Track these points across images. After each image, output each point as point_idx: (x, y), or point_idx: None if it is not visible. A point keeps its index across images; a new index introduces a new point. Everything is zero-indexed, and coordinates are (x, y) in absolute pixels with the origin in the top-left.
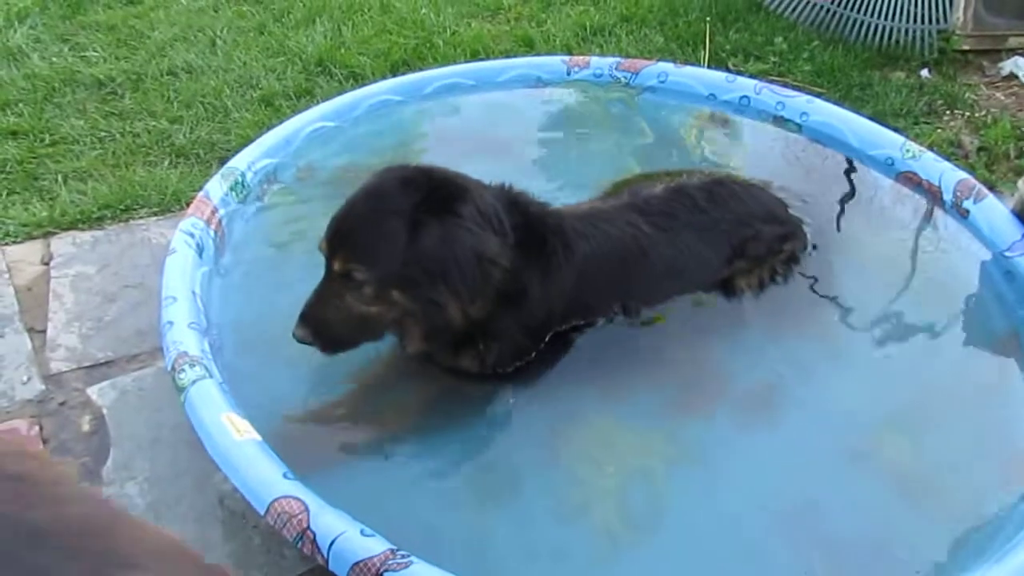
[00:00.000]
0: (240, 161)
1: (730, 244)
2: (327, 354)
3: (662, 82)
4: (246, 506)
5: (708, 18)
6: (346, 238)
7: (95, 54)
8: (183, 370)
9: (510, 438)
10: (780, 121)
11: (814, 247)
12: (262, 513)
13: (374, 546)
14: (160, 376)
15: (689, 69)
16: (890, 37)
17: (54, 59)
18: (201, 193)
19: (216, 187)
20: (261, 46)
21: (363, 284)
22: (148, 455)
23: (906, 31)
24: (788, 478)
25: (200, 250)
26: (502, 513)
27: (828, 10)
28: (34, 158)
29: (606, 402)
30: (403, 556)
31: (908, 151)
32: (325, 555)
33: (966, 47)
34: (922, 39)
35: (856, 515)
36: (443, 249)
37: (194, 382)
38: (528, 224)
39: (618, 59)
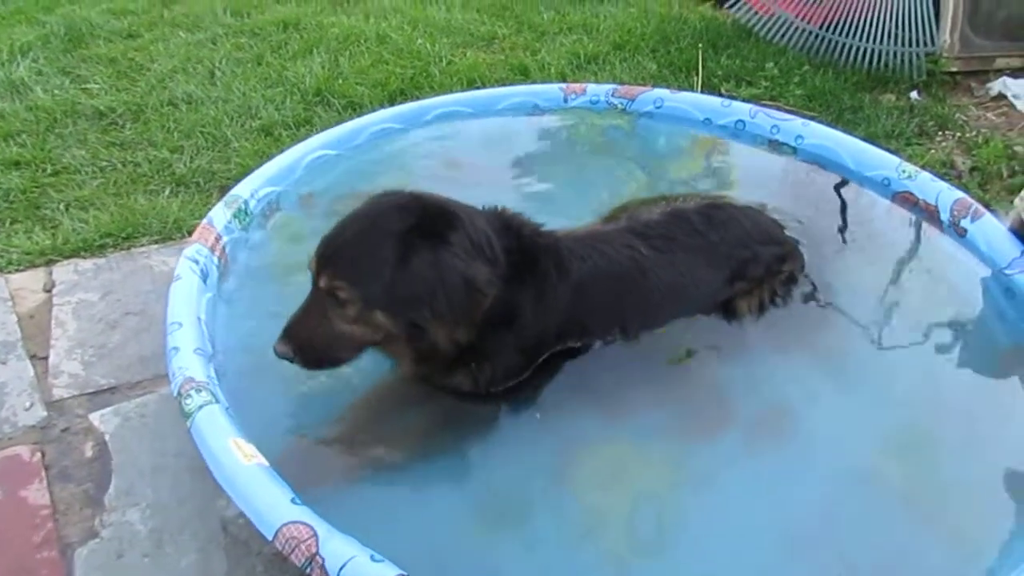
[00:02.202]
0: (243, 189)
1: (729, 266)
2: (308, 370)
3: (658, 108)
4: (249, 533)
5: (700, 44)
6: (334, 256)
7: (96, 86)
8: (189, 396)
9: (517, 461)
10: (775, 145)
11: (808, 270)
12: (270, 539)
13: (384, 572)
14: (162, 402)
15: (685, 95)
16: (879, 60)
17: (56, 91)
18: (205, 220)
19: (220, 214)
20: (259, 77)
21: (347, 303)
22: (150, 482)
23: (895, 54)
24: (797, 501)
25: (204, 276)
26: (510, 537)
27: (817, 36)
28: (36, 187)
29: (611, 426)
30: None
31: (904, 171)
32: None
33: (954, 69)
34: (911, 62)
35: (866, 538)
36: (431, 274)
37: (201, 407)
38: (521, 246)
39: (614, 86)
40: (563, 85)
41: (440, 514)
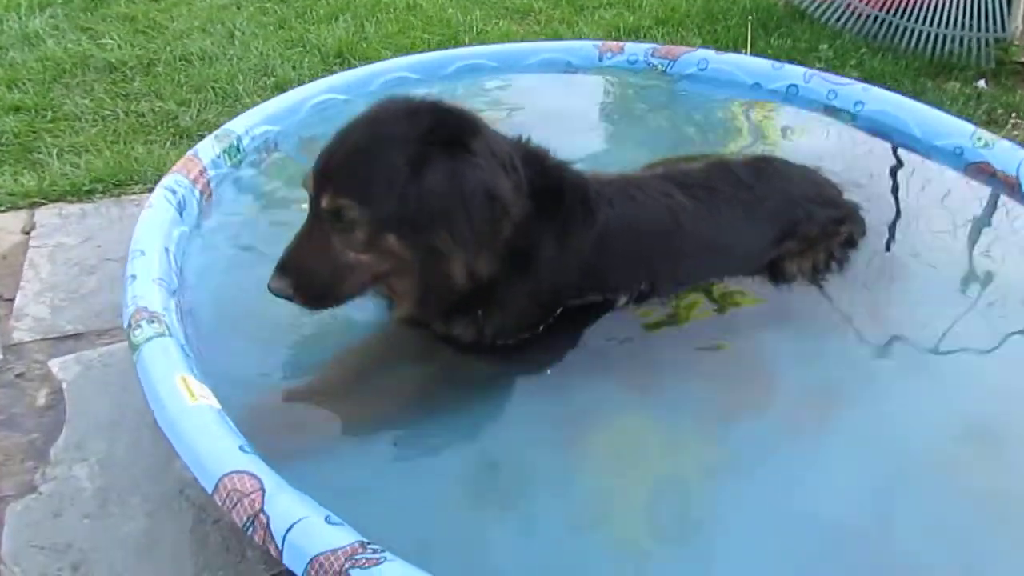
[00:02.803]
0: (237, 124)
1: (778, 224)
2: (308, 309)
3: (702, 70)
4: (207, 498)
5: (749, 19)
6: (338, 170)
7: (111, 41)
8: (139, 326)
9: (519, 431)
10: (832, 111)
11: (870, 241)
12: (210, 491)
13: (340, 537)
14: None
15: (731, 56)
16: (943, 46)
17: (69, 45)
18: (190, 152)
19: (208, 148)
20: (280, 38)
21: (354, 225)
22: (105, 437)
23: (961, 40)
24: (847, 492)
25: (181, 208)
26: (506, 519)
27: (876, 18)
28: (32, 132)
29: (632, 396)
30: (374, 551)
31: (980, 140)
32: (279, 544)
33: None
34: (978, 48)
35: (927, 536)
36: (450, 187)
37: (150, 339)
38: (546, 179)
39: (654, 45)
40: (598, 43)
41: (426, 485)
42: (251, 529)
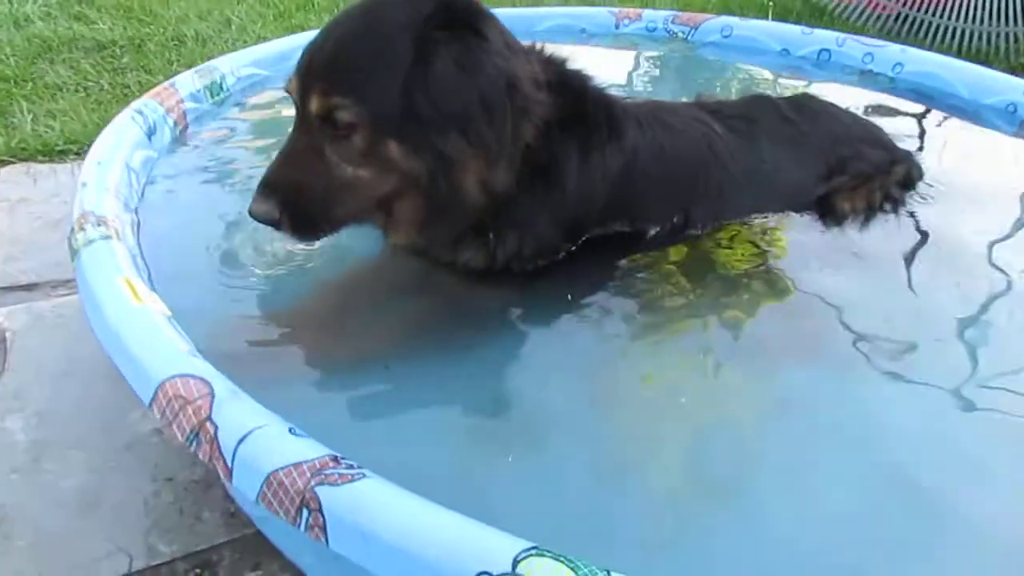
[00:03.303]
0: (223, 63)
1: (825, 161)
2: (298, 239)
3: (726, 36)
4: (163, 454)
5: (769, 14)
6: (327, 64)
7: (102, 25)
8: (83, 230)
9: (536, 372)
10: (869, 76)
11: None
12: (147, 401)
13: (305, 450)
14: None
15: (757, 22)
16: (970, 42)
17: (59, 28)
18: (166, 82)
19: (187, 81)
20: (279, 26)
21: (352, 130)
22: (50, 387)
23: (987, 36)
24: (929, 445)
25: (150, 133)
26: (520, 466)
27: (899, 16)
28: (8, 98)
29: (669, 333)
30: (349, 466)
31: None
32: (228, 460)
33: None
34: (1006, 44)
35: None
36: (464, 77)
37: (92, 242)
38: (566, 85)
39: (674, 12)
40: (615, 10)
41: (425, 434)
42: (195, 443)
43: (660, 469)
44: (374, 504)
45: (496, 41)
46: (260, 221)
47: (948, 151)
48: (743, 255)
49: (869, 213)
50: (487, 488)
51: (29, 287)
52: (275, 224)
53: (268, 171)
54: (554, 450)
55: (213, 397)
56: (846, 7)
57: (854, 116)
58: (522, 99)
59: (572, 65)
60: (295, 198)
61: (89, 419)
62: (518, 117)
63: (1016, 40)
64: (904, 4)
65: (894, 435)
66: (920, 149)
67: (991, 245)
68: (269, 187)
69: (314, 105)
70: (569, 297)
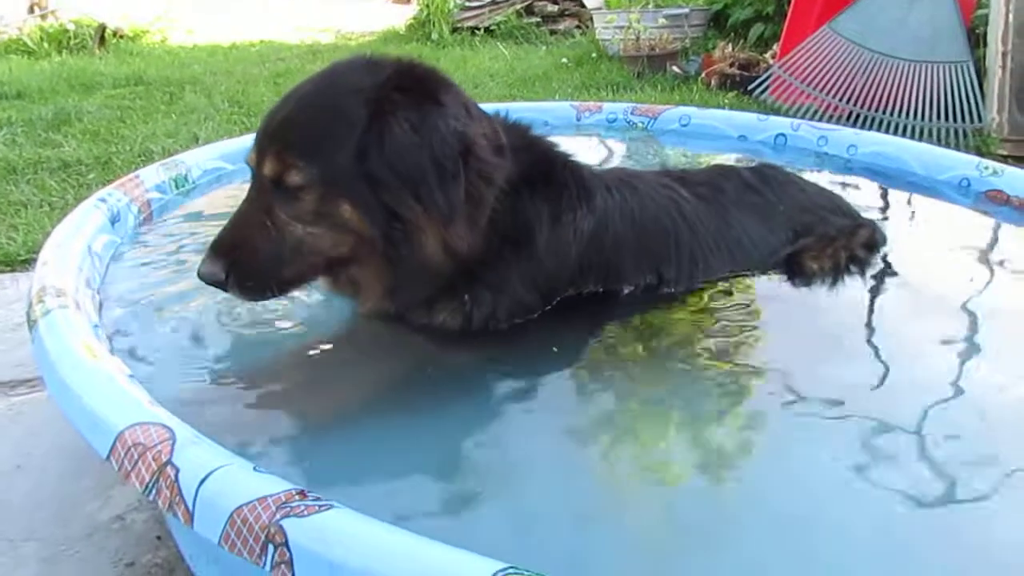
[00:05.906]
0: (188, 156)
1: (791, 226)
2: (246, 298)
3: (684, 125)
4: (122, 539)
5: None
6: (281, 127)
7: (68, 148)
8: (42, 301)
9: (515, 426)
10: (825, 157)
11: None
12: (105, 453)
13: (269, 485)
14: (47, 404)
15: (714, 111)
16: (921, 137)
17: (25, 153)
18: (131, 174)
19: (153, 173)
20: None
21: (301, 191)
22: (4, 482)
23: (936, 131)
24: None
25: (114, 220)
26: (497, 509)
27: (853, 113)
28: None
29: (644, 388)
30: (316, 499)
31: (987, 168)
32: (189, 504)
33: (1004, 152)
34: (956, 140)
35: None
36: (418, 139)
37: (50, 312)
38: (533, 152)
39: (633, 104)
40: (575, 103)
41: (397, 475)
42: (153, 491)
43: (638, 513)
44: (343, 534)
45: (452, 105)
46: (207, 282)
47: (909, 220)
48: (713, 308)
49: (835, 273)
50: (460, 533)
51: None
52: (222, 285)
53: (219, 234)
54: (531, 495)
55: (174, 441)
56: (799, 108)
57: (817, 186)
58: (478, 162)
59: (534, 130)
60: (242, 258)
61: (43, 512)
62: (476, 180)
63: (965, 136)
64: (857, 104)
65: (868, 486)
66: (883, 219)
67: (960, 308)
68: (217, 249)
69: (267, 168)
70: (554, 350)
